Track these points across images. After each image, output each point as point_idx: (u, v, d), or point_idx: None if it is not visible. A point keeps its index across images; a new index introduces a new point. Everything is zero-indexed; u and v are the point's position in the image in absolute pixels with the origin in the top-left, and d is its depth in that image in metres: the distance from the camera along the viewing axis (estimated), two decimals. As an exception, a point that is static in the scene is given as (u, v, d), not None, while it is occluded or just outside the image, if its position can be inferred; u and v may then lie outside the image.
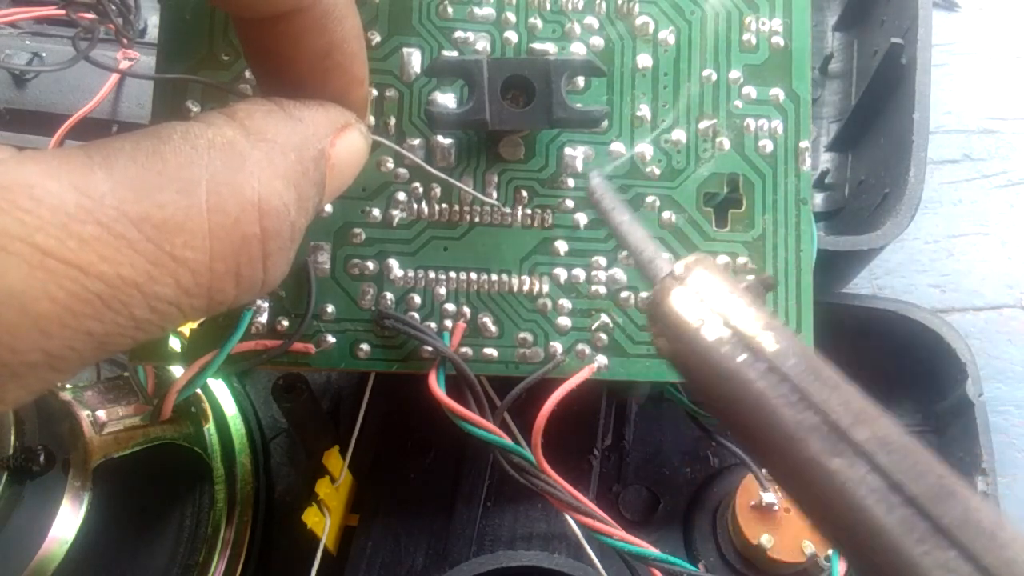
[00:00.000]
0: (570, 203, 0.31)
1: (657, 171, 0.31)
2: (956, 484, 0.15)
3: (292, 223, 0.20)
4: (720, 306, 0.19)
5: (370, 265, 0.30)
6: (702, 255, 0.20)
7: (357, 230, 0.30)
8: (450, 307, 0.30)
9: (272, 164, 0.20)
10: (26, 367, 0.16)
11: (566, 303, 0.31)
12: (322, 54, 0.22)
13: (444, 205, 0.30)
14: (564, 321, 0.31)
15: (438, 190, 0.30)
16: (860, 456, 0.16)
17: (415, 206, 0.30)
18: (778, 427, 0.17)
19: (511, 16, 0.31)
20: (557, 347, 0.30)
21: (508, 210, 0.30)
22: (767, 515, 0.36)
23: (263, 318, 0.30)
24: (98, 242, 0.16)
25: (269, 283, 0.20)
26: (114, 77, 0.45)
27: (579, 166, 0.31)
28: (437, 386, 0.29)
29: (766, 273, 0.29)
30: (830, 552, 0.34)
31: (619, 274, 0.31)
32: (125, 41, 0.36)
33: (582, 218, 0.31)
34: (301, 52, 0.22)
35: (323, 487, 0.36)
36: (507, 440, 0.29)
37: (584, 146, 0.31)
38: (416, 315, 0.30)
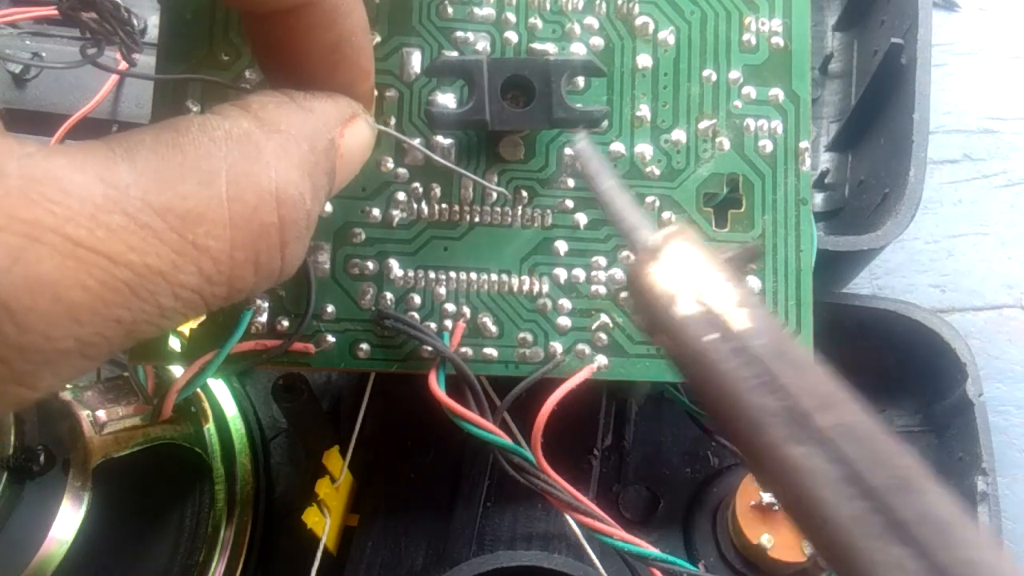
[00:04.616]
0: (570, 203, 0.31)
1: (657, 171, 0.31)
2: (918, 475, 0.15)
3: (307, 212, 0.20)
4: (695, 281, 0.17)
5: (370, 265, 0.30)
6: (683, 226, 0.19)
7: (357, 230, 0.30)
8: (450, 307, 0.30)
9: (287, 154, 0.20)
10: (59, 354, 0.16)
11: (566, 303, 0.31)
12: (330, 47, 0.23)
13: (444, 205, 0.30)
14: (564, 321, 0.31)
15: (438, 190, 0.30)
16: (820, 444, 0.15)
17: (415, 206, 0.30)
18: (742, 412, 0.16)
19: (511, 16, 0.31)
20: (557, 347, 0.31)
21: (508, 209, 0.30)
22: (767, 515, 0.36)
23: (263, 318, 0.30)
24: (125, 231, 0.16)
25: (286, 271, 0.21)
26: (114, 77, 0.45)
27: (579, 167, 0.31)
28: (437, 386, 0.29)
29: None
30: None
31: (619, 274, 0.31)
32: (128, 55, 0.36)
33: (582, 218, 0.31)
34: (310, 46, 0.23)
35: (323, 487, 0.36)
36: (507, 440, 0.29)
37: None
38: (416, 315, 0.30)
